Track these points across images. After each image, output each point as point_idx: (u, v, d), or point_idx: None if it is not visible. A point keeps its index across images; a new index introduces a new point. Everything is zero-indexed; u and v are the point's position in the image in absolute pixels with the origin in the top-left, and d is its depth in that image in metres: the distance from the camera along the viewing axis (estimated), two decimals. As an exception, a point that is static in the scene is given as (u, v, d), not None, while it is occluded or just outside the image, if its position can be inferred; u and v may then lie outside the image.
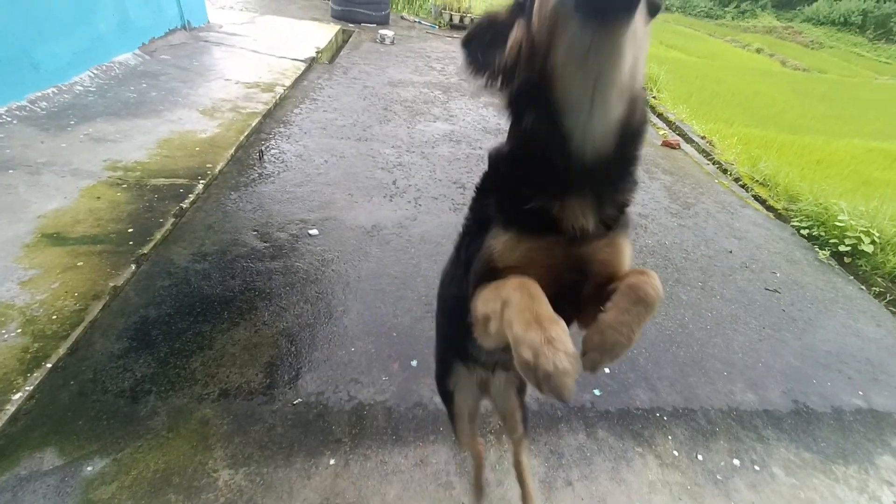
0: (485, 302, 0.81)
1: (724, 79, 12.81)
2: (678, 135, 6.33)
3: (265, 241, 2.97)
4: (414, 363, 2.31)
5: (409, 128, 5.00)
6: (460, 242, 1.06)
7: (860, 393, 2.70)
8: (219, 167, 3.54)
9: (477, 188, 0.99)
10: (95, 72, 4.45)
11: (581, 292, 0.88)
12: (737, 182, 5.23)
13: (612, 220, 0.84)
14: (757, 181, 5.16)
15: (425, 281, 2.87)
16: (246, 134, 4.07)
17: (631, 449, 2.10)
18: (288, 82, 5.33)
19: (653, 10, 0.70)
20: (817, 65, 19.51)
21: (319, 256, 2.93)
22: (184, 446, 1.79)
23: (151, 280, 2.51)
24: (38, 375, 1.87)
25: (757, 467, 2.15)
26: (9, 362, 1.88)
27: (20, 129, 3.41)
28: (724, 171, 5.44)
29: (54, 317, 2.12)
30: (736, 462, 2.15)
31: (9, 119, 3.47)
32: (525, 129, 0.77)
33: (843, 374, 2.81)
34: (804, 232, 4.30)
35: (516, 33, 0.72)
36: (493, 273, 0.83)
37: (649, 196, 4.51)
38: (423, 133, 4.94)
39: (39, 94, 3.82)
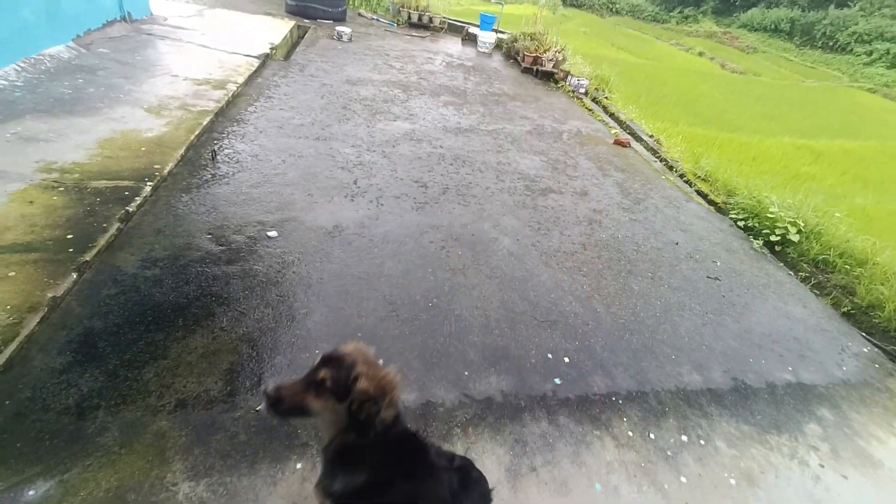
0: None
1: (670, 80, 13.57)
2: (629, 133, 6.65)
3: (221, 245, 2.86)
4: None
5: (368, 127, 4.95)
6: None
7: (790, 369, 2.96)
8: (168, 168, 3.36)
9: None
10: (22, 65, 4.09)
11: None
12: (682, 178, 5.57)
13: None
14: (699, 177, 5.52)
15: (389, 281, 2.87)
16: (197, 133, 3.89)
17: (590, 433, 2.21)
18: (241, 79, 5.13)
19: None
20: (752, 68, 21.06)
21: (279, 259, 2.86)
22: (139, 462, 1.70)
23: (96, 289, 2.36)
24: (-33, 396, 1.72)
25: (702, 441, 2.32)
26: (-68, 384, 1.72)
27: (-65, 127, 3.09)
28: (671, 168, 5.77)
29: (-16, 332, 1.95)
30: (684, 438, 2.31)
31: (-80, 117, 3.14)
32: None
33: (775, 353, 3.08)
34: (741, 223, 4.65)
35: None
36: None
37: (603, 192, 4.72)
38: (383, 132, 4.90)
39: (-43, 89, 3.47)
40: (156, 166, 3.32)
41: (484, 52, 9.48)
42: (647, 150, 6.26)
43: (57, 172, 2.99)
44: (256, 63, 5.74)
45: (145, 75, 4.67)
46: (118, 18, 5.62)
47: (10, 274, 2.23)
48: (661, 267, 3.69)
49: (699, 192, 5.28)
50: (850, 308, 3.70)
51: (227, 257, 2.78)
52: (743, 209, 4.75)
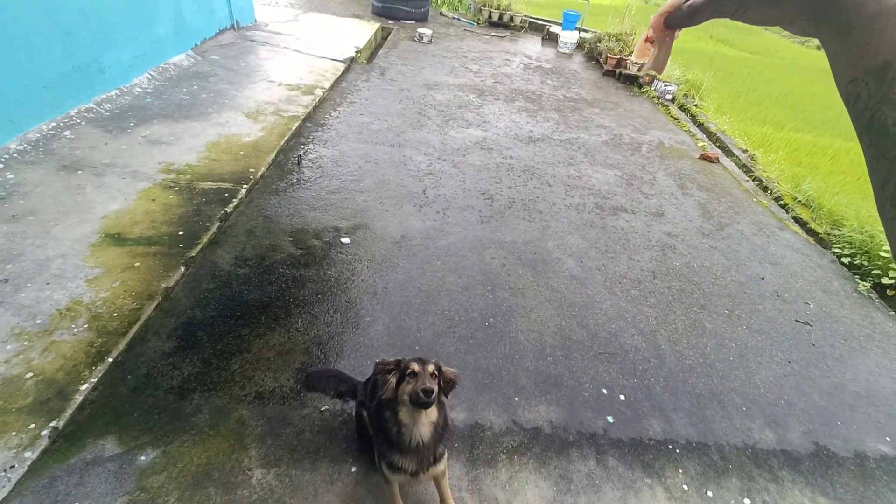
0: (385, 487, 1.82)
1: (777, 78, 12.11)
2: (718, 147, 6.12)
3: (300, 248, 3.14)
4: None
5: (441, 134, 5.07)
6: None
7: (887, 439, 2.62)
8: (261, 172, 3.74)
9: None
10: (153, 73, 4.74)
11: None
12: (777, 202, 5.03)
13: (430, 466, 1.62)
14: (799, 201, 4.95)
15: (449, 296, 2.97)
16: (286, 138, 4.26)
17: (640, 479, 2.15)
18: (327, 84, 5.49)
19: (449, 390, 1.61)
20: (882, 66, 18.05)
21: (350, 266, 3.08)
22: (223, 444, 1.98)
23: (198, 282, 2.73)
24: (101, 369, 2.10)
25: (768, 508, 2.15)
26: (78, 355, 2.12)
27: (87, 130, 3.71)
28: (765, 189, 5.24)
29: (115, 314, 2.35)
30: (747, 501, 2.16)
31: (78, 120, 3.78)
32: (384, 415, 1.57)
33: (872, 418, 2.73)
34: (845, 260, 4.12)
35: (389, 385, 1.54)
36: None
37: (682, 214, 4.42)
38: (454, 140, 5.00)
39: (104, 96, 4.12)
40: (251, 170, 3.71)
41: (564, 53, 9.19)
42: (739, 167, 5.72)
43: (174, 173, 3.46)
44: (342, 67, 6.10)
45: (247, 81, 5.18)
46: (228, 27, 6.26)
47: (135, 264, 2.66)
48: (740, 304, 3.41)
49: (797, 220, 4.74)
50: (980, 374, 3.14)
51: (305, 261, 3.05)
52: (850, 243, 4.19)
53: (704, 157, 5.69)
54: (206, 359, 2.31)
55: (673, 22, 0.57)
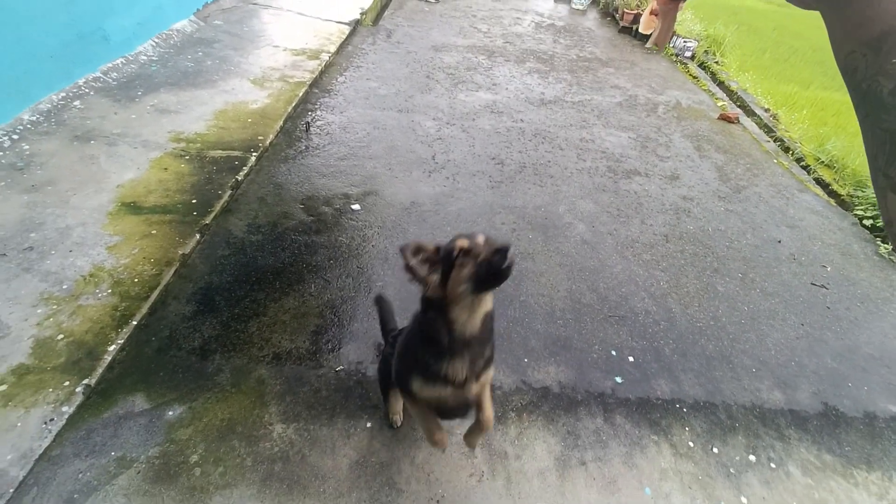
0: (411, 408, 1.67)
1: (805, 31, 11.38)
2: (739, 106, 5.86)
3: (311, 215, 3.16)
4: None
5: (450, 97, 4.95)
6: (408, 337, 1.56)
7: (899, 399, 2.62)
8: (269, 139, 3.72)
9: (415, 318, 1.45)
10: (157, 40, 4.66)
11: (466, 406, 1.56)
12: (798, 163, 4.85)
13: (481, 372, 1.40)
14: (822, 162, 4.77)
15: (459, 261, 2.98)
16: (294, 105, 4.20)
17: (646, 436, 2.21)
18: (333, 48, 5.35)
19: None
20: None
21: (361, 232, 3.10)
22: (244, 401, 2.07)
23: (213, 249, 2.78)
24: (126, 331, 2.19)
25: (773, 465, 2.20)
26: (104, 318, 2.21)
27: (97, 100, 3.71)
28: (786, 150, 5.04)
29: (136, 280, 2.43)
30: (752, 458, 2.20)
31: (87, 91, 3.77)
32: (429, 317, 1.31)
33: (884, 379, 2.72)
34: (867, 222, 4.00)
35: (434, 278, 1.24)
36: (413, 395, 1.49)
37: (698, 177, 4.31)
38: (464, 104, 4.88)
39: (111, 64, 4.09)
40: (259, 137, 3.69)
41: (578, 10, 8.75)
42: (760, 127, 5.49)
43: (184, 142, 3.46)
44: (347, 30, 5.91)
45: (251, 46, 5.07)
46: (230, -11, 6.06)
47: (152, 232, 2.71)
48: (754, 267, 3.36)
49: (818, 181, 4.59)
50: None
51: (317, 227, 3.08)
52: (873, 205, 4.05)
53: (724, 118, 5.47)
54: (224, 322, 2.39)
55: None
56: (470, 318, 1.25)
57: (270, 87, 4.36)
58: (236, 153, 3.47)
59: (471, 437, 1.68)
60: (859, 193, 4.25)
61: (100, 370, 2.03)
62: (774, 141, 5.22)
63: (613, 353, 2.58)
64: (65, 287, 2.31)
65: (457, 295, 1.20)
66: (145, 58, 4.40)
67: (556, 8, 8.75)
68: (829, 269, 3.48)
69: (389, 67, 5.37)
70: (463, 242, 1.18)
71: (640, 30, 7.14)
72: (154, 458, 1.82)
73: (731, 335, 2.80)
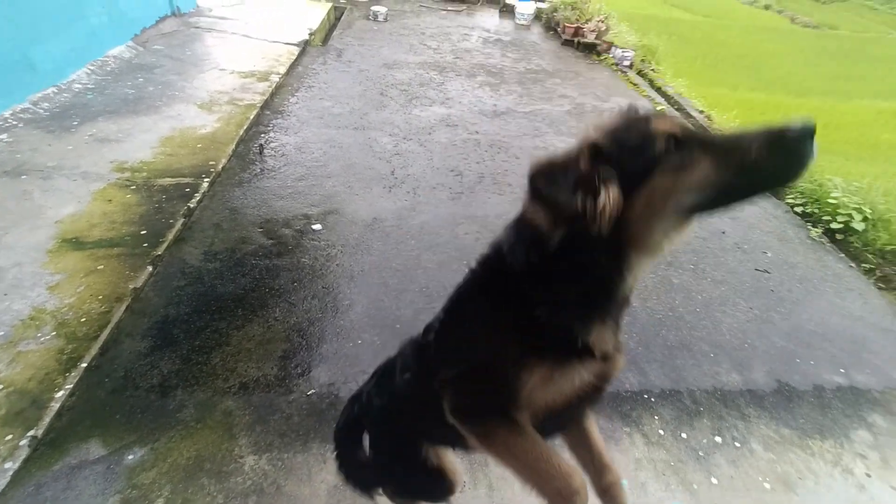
0: (504, 441, 0.91)
1: (730, 40, 12.51)
2: (676, 109, 6.33)
3: (271, 238, 3.12)
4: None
5: (405, 113, 5.05)
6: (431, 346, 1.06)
7: (842, 371, 2.87)
8: (221, 164, 3.66)
9: (471, 297, 0.99)
10: (91, 68, 4.49)
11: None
12: (736, 159, 5.28)
13: (620, 341, 0.94)
14: (756, 158, 5.21)
15: (426, 273, 3.03)
16: (245, 127, 4.16)
17: (619, 429, 2.31)
18: (283, 69, 5.35)
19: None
20: (828, 20, 18.90)
21: (324, 252, 3.09)
22: (211, 435, 2.00)
23: (168, 280, 2.68)
24: (75, 375, 2.07)
25: (738, 443, 2.35)
26: (48, 363, 2.08)
27: (27, 132, 3.52)
28: (724, 149, 5.48)
29: (83, 319, 2.30)
30: (718, 439, 2.35)
31: (14, 122, 3.57)
32: (582, 265, 0.79)
33: (827, 353, 2.98)
34: (798, 209, 4.40)
35: (611, 197, 0.71)
36: (504, 407, 0.87)
37: (647, 178, 4.59)
38: (419, 118, 4.99)
39: (40, 94, 3.90)
40: (211, 162, 3.62)
41: (522, 25, 9.20)
42: (696, 128, 5.95)
43: (129, 171, 3.34)
44: (296, 51, 5.93)
45: (195, 70, 4.98)
46: (169, 14, 5.96)
47: (99, 267, 2.59)
48: (704, 258, 3.61)
49: (755, 175, 5.01)
50: (919, 304, 3.47)
51: (277, 250, 3.04)
52: (801, 193, 4.47)
53: (666, 121, 5.88)
54: (185, 355, 2.31)
55: None
56: (653, 257, 0.82)
57: (219, 111, 4.30)
58: (187, 180, 3.38)
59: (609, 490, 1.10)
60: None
61: (47, 419, 1.90)
62: (712, 140, 5.67)
63: (582, 350, 2.68)
64: (1, 334, 2.16)
65: (653, 221, 0.75)
66: (80, 86, 4.23)
67: (501, 24, 9.17)
68: (769, 254, 3.79)
69: (342, 86, 5.43)
70: (665, 124, 0.75)
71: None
72: (114, 508, 1.72)
73: (688, 324, 2.99)
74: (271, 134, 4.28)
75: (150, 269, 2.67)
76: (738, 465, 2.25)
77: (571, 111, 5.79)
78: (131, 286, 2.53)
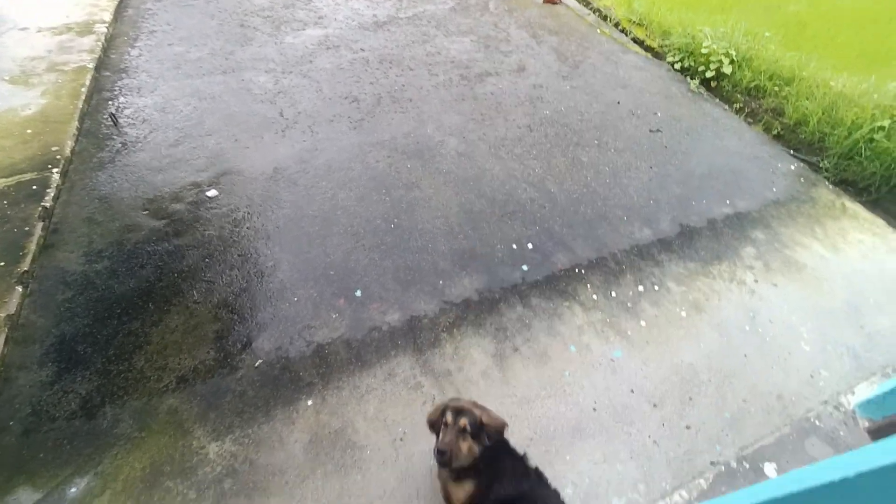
0: None
1: None
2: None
3: (161, 219, 2.65)
4: (358, 293, 2.36)
5: (276, 44, 4.30)
6: None
7: (727, 202, 3.17)
8: (68, 148, 2.94)
9: None
10: None
11: None
12: (617, 27, 5.22)
13: None
14: (634, 22, 5.18)
15: (346, 213, 2.78)
16: (83, 98, 3.31)
17: (560, 305, 2.41)
18: (107, 16, 4.22)
19: None
20: None
21: (228, 218, 2.70)
22: (162, 439, 1.80)
23: (49, 296, 2.22)
24: (-33, 431, 1.71)
25: (656, 287, 2.57)
26: (-75, 431, 1.69)
27: None
28: (605, 18, 5.37)
29: (-48, 369, 1.86)
30: (640, 288, 2.55)
31: None
32: None
33: (715, 190, 3.26)
34: (677, 66, 4.52)
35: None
36: None
37: (541, 63, 4.42)
38: (294, 47, 4.28)
39: None
40: (53, 148, 2.89)
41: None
42: (580, 2, 5.73)
43: (-58, 183, 2.57)
44: (119, -11, 4.66)
45: (-10, 36, 3.78)
46: (-82, -36, 4.31)
47: (-53, 306, 2.05)
48: (605, 131, 3.66)
49: (635, 40, 5.01)
50: (779, 129, 3.84)
51: (174, 229, 2.60)
52: (679, 49, 4.57)
53: (548, 1, 5.57)
54: (101, 369, 1.98)
55: None
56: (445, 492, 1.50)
57: (41, 83, 3.36)
58: (28, 176, 2.69)
59: None
60: (667, 42, 4.75)
61: (-49, 487, 1.58)
62: (594, 13, 5.51)
63: (514, 246, 2.70)
64: None
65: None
66: None
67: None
68: (659, 114, 3.93)
69: (191, 24, 4.44)
70: (447, 417, 1.42)
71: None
72: (75, 544, 1.53)
73: (601, 196, 3.09)
74: (121, 98, 3.47)
75: (19, 289, 2.18)
76: (659, 305, 2.48)
77: (455, 8, 5.27)
78: (2, 315, 2.05)
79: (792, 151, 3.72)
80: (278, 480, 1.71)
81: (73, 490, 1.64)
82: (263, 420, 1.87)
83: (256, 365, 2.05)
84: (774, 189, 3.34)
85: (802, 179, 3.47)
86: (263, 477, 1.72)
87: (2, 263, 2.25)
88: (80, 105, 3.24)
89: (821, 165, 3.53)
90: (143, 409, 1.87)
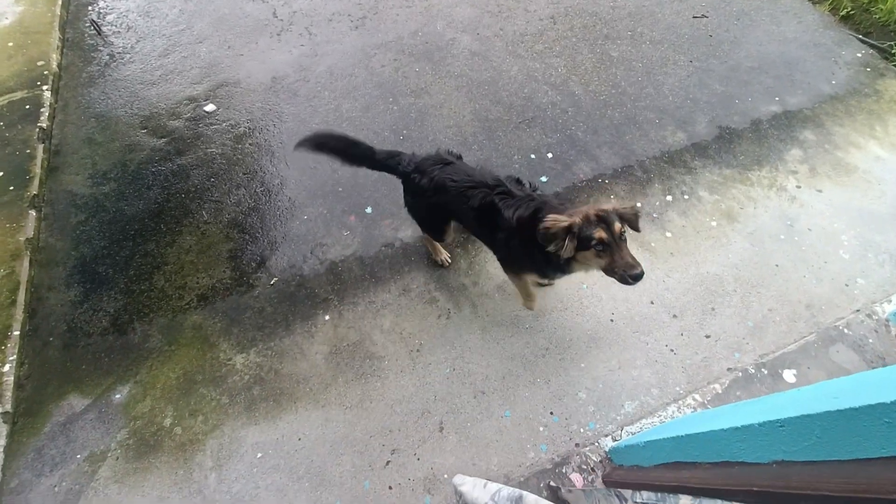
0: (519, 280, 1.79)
1: None
2: None
3: (162, 137, 2.49)
4: (369, 210, 2.23)
5: (262, -73, 3.65)
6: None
7: (776, 99, 2.75)
8: (54, 61, 2.69)
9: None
10: None
11: None
12: None
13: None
14: None
15: (351, 124, 2.54)
16: (60, 4, 2.96)
17: (580, 217, 2.23)
18: None
19: None
20: None
21: (229, 134, 2.51)
22: (191, 351, 1.85)
23: (63, 220, 2.18)
24: (11, 346, 1.78)
25: (686, 196, 2.33)
26: (-27, 345, 1.76)
27: None
28: None
29: (-14, 290, 1.89)
30: (669, 198, 2.32)
31: None
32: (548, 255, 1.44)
33: (763, 85, 2.81)
34: (735, -68, 3.68)
35: (569, 248, 1.36)
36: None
37: (568, -63, 3.66)
38: (282, -70, 3.63)
39: None
40: (39, 63, 2.66)
41: None
42: None
43: (-66, 106, 2.43)
44: None
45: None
46: None
47: (-32, 231, 2.04)
48: (641, 20, 3.11)
49: None
50: (849, 9, 3.19)
51: (175, 148, 2.45)
52: None
53: None
54: (125, 289, 2.00)
55: None
56: (584, 269, 1.48)
57: (12, -11, 3.00)
58: (19, 94, 2.51)
59: None
60: None
61: (8, 394, 1.69)
62: None
63: (533, 156, 2.45)
64: None
65: (582, 262, 1.42)
66: None
67: None
68: (706, -4, 3.29)
69: None
70: (601, 235, 1.33)
71: None
72: (126, 441, 1.65)
73: (631, 97, 2.71)
74: (101, 3, 3.09)
75: (33, 213, 2.13)
76: (687, 215, 2.27)
77: None
78: (22, 238, 2.04)
79: (861, 36, 3.12)
80: (303, 387, 1.76)
81: (117, 396, 1.74)
82: (284, 334, 1.88)
83: (272, 283, 2.02)
84: (833, 82, 2.85)
85: (869, 69, 2.94)
86: (289, 384, 1.77)
87: (11, 188, 2.18)
88: (58, 12, 2.91)
89: (893, 52, 2.97)
90: (170, 326, 1.90)
